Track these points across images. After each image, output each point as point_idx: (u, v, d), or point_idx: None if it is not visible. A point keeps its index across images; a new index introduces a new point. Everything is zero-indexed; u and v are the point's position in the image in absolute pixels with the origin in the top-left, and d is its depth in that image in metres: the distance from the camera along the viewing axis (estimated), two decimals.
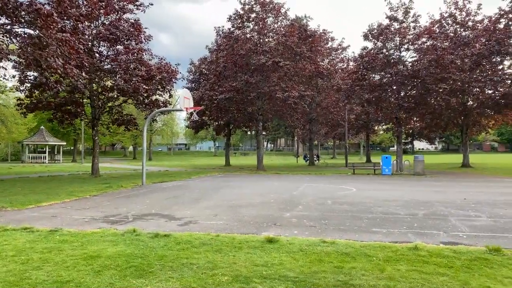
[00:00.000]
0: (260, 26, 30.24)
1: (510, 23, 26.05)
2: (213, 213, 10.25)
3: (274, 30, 31.06)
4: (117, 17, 23.56)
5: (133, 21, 23.82)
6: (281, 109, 33.18)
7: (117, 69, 22.62)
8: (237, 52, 30.17)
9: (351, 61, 39.76)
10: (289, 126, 56.47)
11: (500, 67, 28.49)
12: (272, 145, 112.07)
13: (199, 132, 51.43)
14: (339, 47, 43.69)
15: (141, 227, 8.19)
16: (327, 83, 39.08)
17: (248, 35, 31.25)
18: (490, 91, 29.73)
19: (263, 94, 30.71)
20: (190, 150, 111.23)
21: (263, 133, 37.29)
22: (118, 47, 23.79)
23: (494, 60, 27.94)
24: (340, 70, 40.72)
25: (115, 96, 25.03)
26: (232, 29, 31.67)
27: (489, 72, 28.46)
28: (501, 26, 26.62)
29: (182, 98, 18.85)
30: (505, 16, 26.22)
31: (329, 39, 41.63)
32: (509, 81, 27.51)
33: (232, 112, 34.62)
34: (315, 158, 44.33)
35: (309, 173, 27.31)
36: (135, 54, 23.29)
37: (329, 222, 8.82)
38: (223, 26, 33.89)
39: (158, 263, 5.64)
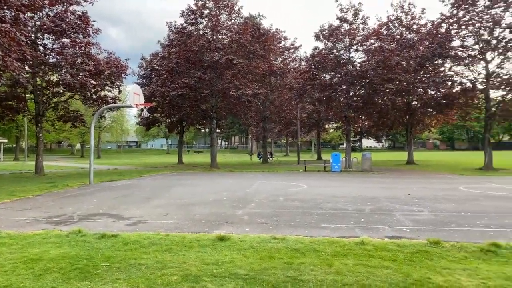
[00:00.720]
0: (214, 22, 30.02)
1: (450, 27, 27.56)
2: (163, 212, 10.06)
3: (228, 28, 30.95)
4: (63, 8, 22.49)
5: (80, 13, 22.83)
6: (235, 107, 33.16)
7: (63, 63, 21.62)
8: (190, 48, 29.77)
9: (303, 60, 40.48)
10: (243, 124, 56.62)
11: (442, 69, 30.09)
12: (226, 143, 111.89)
13: (151, 129, 50.32)
14: (292, 46, 44.38)
15: (87, 228, 7.89)
16: (280, 82, 39.55)
17: (201, 32, 30.92)
18: (432, 92, 31.35)
19: (217, 92, 30.54)
20: (142, 148, 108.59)
21: (217, 131, 37.12)
22: (64, 40, 22.72)
23: (436, 62, 29.44)
24: (292, 69, 41.35)
25: (61, 91, 23.92)
26: (185, 24, 31.19)
27: (432, 74, 29.98)
28: (443, 30, 28.11)
29: (132, 94, 18.34)
30: (446, 21, 27.69)
31: (282, 39, 42.15)
32: (450, 83, 29.13)
33: (185, 109, 34.17)
34: (268, 156, 44.76)
35: (263, 171, 27.53)
36: (83, 48, 22.35)
37: (281, 219, 8.94)
38: (175, 22, 33.34)
39: (104, 264, 5.46)
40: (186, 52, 30.27)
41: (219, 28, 30.30)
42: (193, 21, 30.78)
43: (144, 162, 45.58)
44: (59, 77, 22.17)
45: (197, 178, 21.26)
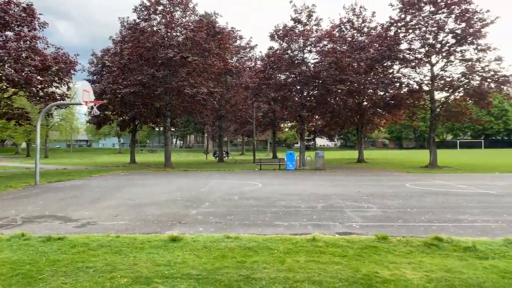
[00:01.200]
0: (168, 19, 29.46)
1: (399, 31, 28.75)
2: (114, 213, 9.77)
3: (182, 25, 30.47)
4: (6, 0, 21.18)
5: (25, 5, 21.60)
6: (190, 105, 32.74)
7: (6, 58, 20.36)
8: (143, 45, 29.05)
9: (258, 60, 40.70)
10: (199, 123, 56.07)
11: (391, 71, 31.33)
12: (182, 142, 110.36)
13: (102, 128, 48.57)
14: (247, 45, 44.48)
15: (31, 231, 7.51)
16: (236, 81, 39.51)
17: (155, 28, 30.25)
18: (381, 93, 32.58)
19: (171, 89, 30.02)
20: (92, 147, 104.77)
21: (171, 129, 36.49)
22: (7, 33, 21.39)
23: (385, 64, 30.60)
24: (248, 69, 41.44)
25: (4, 87, 22.56)
26: (138, 20, 30.38)
27: (381, 75, 31.15)
28: (392, 33, 29.27)
29: (81, 91, 17.65)
30: (394, 24, 28.83)
31: (238, 37, 42.13)
32: (398, 84, 30.40)
33: (138, 107, 33.30)
34: (224, 155, 44.64)
35: (218, 170, 27.42)
36: (28, 42, 21.17)
37: (235, 218, 8.94)
38: (128, 17, 32.38)
39: (49, 268, 5.22)
40: (139, 49, 29.52)
41: (173, 25, 29.79)
42: (147, 17, 30.06)
43: (95, 161, 44.00)
44: (1, 72, 20.88)
45: (150, 178, 20.81)
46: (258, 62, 40.27)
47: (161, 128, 56.49)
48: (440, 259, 5.66)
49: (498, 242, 6.49)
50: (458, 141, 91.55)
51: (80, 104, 17.69)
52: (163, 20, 29.90)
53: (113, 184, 17.49)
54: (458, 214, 9.29)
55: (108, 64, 35.93)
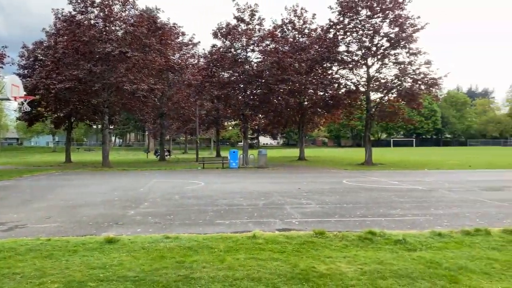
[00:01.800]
0: (106, 13, 28.29)
1: (337, 33, 29.81)
2: (46, 215, 9.23)
3: (122, 19, 29.39)
4: None
5: None
6: (129, 102, 31.66)
7: None
8: (79, 38, 27.63)
9: (201, 57, 40.30)
10: (139, 121, 54.48)
11: (330, 72, 32.41)
12: (121, 140, 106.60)
13: (34, 125, 45.62)
14: (190, 42, 43.86)
15: None
16: (178, 78, 38.83)
17: (92, 21, 28.92)
18: (321, 93, 33.59)
19: (110, 86, 28.87)
20: (24, 145, 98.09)
21: (110, 127, 35.12)
22: None
23: (325, 65, 31.61)
24: (191, 66, 40.89)
25: None
26: (73, 13, 28.86)
27: (321, 76, 32.12)
28: (331, 35, 30.27)
29: (9, 86, 16.46)
30: (333, 27, 29.85)
31: (180, 34, 41.41)
32: (336, 85, 31.52)
33: (74, 104, 31.65)
34: (166, 154, 43.73)
35: (159, 169, 26.84)
36: None
37: (175, 217, 8.80)
38: (63, 9, 30.64)
39: None
40: (74, 42, 28.05)
41: (112, 18, 28.66)
42: (83, 9, 28.65)
43: (26, 161, 41.24)
44: None
45: (86, 178, 19.90)
46: (201, 60, 39.89)
47: (99, 126, 54.17)
48: (373, 252, 5.94)
49: (425, 234, 6.94)
50: (391, 139, 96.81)
51: (9, 99, 16.52)
52: (101, 14, 28.67)
53: (45, 185, 16.51)
54: (390, 209, 9.82)
55: (41, 57, 33.80)
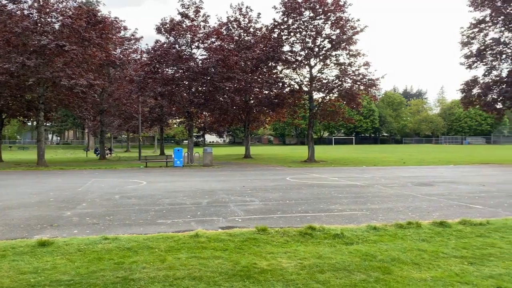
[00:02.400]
0: (41, 3, 26.69)
1: (282, 33, 30.30)
2: None
3: (59, 10, 27.86)
4: None
5: None
6: (67, 98, 30.14)
7: None
8: (11, 30, 25.84)
9: (144, 52, 39.24)
10: (78, 117, 51.99)
11: (275, 71, 32.88)
12: (59, 138, 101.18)
13: None
14: (132, 37, 42.57)
15: None
16: (120, 73, 37.55)
17: (25, 12, 27.14)
18: (266, 92, 34.01)
19: (45, 80, 27.29)
20: None
21: (46, 124, 33.21)
22: None
23: (270, 64, 32.02)
24: (133, 61, 39.68)
25: None
26: (4, 1, 26.92)
27: (266, 75, 32.51)
28: (275, 35, 30.72)
29: None
30: (278, 26, 30.32)
31: (122, 28, 40.03)
32: (281, 84, 32.06)
33: (5, 99, 29.58)
34: (107, 152, 42.16)
35: (99, 168, 25.82)
36: None
37: (115, 218, 8.52)
38: None
39: None
40: (5, 34, 26.16)
41: (47, 10, 27.09)
42: None
43: None
44: None
45: (19, 178, 18.69)
46: (144, 55, 38.84)
47: (34, 123, 51.03)
48: (313, 247, 6.12)
49: (362, 228, 7.26)
50: (333, 137, 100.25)
51: None
52: (36, 4, 27.01)
53: None
54: (330, 204, 10.17)
55: None
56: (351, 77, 29.07)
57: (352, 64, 29.11)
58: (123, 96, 39.34)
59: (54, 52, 26.54)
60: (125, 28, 40.82)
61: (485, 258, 5.57)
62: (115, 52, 37.46)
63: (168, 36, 29.93)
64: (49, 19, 27.65)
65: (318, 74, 30.38)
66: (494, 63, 28.11)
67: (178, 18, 29.74)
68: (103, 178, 18.13)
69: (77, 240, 6.43)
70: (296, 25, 29.36)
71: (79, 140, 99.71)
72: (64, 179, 17.78)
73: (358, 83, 29.16)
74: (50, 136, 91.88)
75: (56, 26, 27.57)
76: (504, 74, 27.86)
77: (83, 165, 29.12)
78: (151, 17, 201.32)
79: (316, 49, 29.58)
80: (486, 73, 28.40)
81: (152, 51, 30.37)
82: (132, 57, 41.12)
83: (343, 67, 29.24)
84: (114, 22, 36.82)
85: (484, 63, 28.31)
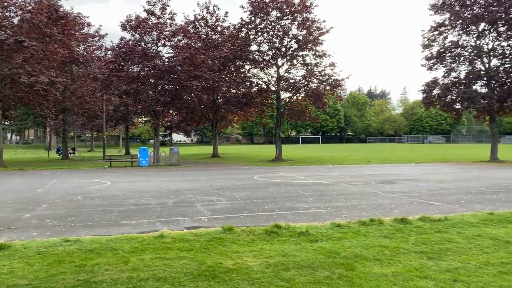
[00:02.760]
0: None
1: (249, 32, 30.37)
2: None
3: (17, 5, 26.76)
4: None
5: None
6: (27, 95, 28.96)
7: None
8: None
9: (109, 50, 38.29)
10: (39, 116, 50.08)
11: (242, 70, 32.90)
12: (18, 137, 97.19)
13: None
14: (97, 34, 41.44)
15: None
16: (83, 71, 36.50)
17: None
18: (234, 91, 33.99)
19: (3, 77, 26.18)
20: None
21: (4, 123, 31.80)
22: None
23: (238, 63, 32.01)
24: (97, 58, 38.66)
25: None
26: None
27: (234, 74, 32.48)
28: (243, 34, 30.74)
29: None
30: (245, 26, 30.36)
31: (85, 24, 38.90)
32: (249, 83, 32.12)
33: None
34: (70, 152, 40.88)
35: (62, 168, 25.02)
36: None
37: (77, 219, 8.29)
38: None
39: None
40: None
41: (5, 3, 25.96)
42: None
43: None
44: None
45: None
46: (109, 52, 37.90)
47: None
48: (278, 245, 6.18)
49: (326, 225, 7.40)
50: (300, 137, 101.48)
51: None
52: None
53: None
54: (296, 203, 10.29)
55: None
56: (317, 77, 29.51)
57: (318, 64, 29.57)
58: (87, 94, 38.24)
59: (13, 47, 25.49)
60: (89, 25, 39.69)
61: (443, 253, 5.80)
62: (78, 49, 36.39)
63: (134, 34, 29.36)
64: (7, 14, 26.51)
65: (285, 74, 30.65)
66: (453, 65, 29.22)
67: (144, 15, 29.23)
68: (65, 179, 17.58)
69: (36, 243, 6.21)
70: (263, 24, 29.50)
71: (41, 139, 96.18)
72: (23, 180, 17.12)
73: (324, 83, 29.64)
74: (9, 135, 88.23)
75: (15, 20, 26.48)
76: (462, 76, 29.03)
77: (44, 165, 28.12)
78: (117, 14, 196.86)
79: (283, 49, 29.84)
80: (446, 75, 29.49)
81: (117, 48, 29.72)
82: (96, 54, 40.05)
83: (309, 67, 29.64)
84: (77, 18, 35.76)
85: (444, 65, 29.39)
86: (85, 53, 36.82)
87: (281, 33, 29.27)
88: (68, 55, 31.32)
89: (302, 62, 29.97)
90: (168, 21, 29.66)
